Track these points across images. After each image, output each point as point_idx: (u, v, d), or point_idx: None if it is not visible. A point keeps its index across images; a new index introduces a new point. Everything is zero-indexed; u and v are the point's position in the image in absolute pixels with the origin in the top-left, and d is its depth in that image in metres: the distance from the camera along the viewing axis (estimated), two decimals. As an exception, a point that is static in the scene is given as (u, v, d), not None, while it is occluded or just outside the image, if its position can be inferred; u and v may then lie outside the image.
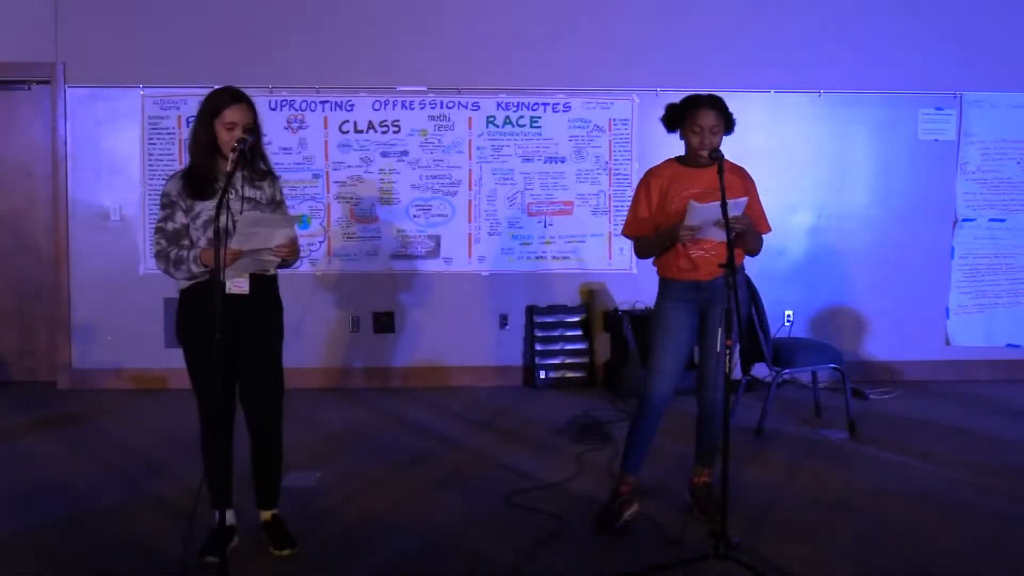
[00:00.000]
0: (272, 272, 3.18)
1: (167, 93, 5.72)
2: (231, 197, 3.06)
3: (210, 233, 3.02)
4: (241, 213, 3.01)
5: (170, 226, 3.09)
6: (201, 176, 3.09)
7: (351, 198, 5.83)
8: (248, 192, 3.14)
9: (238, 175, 3.10)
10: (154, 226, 3.22)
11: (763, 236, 3.54)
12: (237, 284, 3.08)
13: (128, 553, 3.25)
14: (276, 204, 3.24)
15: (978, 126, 6.02)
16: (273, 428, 3.27)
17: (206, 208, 3.06)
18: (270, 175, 3.24)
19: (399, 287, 5.93)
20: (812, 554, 3.26)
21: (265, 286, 3.19)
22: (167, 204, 3.11)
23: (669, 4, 5.87)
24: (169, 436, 4.70)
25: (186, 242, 3.09)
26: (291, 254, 3.08)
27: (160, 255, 3.10)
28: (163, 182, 5.68)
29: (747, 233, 3.35)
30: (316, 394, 5.61)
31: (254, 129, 3.10)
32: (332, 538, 3.38)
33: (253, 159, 3.15)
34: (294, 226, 3.09)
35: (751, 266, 3.91)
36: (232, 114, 3.05)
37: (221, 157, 3.10)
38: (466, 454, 4.45)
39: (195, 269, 3.04)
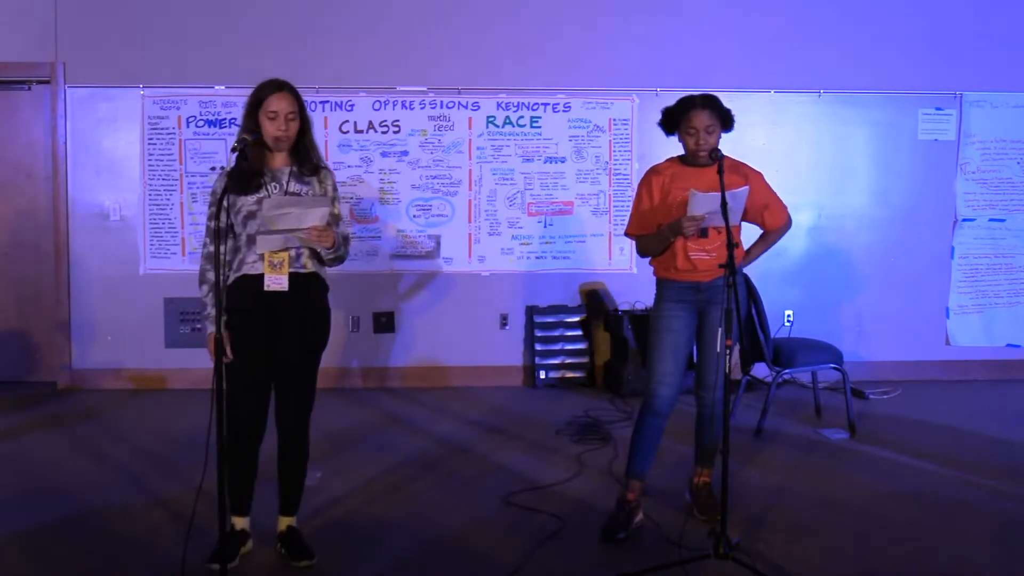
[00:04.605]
0: (310, 269, 3.10)
1: (167, 93, 5.72)
2: (274, 191, 3.03)
3: (250, 228, 3.00)
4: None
5: (214, 224, 3.01)
6: (247, 169, 3.00)
7: (351, 198, 5.83)
8: (293, 187, 3.06)
9: (284, 169, 3.07)
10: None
11: (787, 225, 3.68)
12: (275, 281, 3.02)
13: (128, 553, 3.25)
14: (328, 200, 3.12)
15: (978, 126, 6.01)
16: (303, 433, 3.21)
17: (247, 203, 3.01)
18: (322, 169, 3.15)
19: (399, 287, 5.92)
20: (812, 554, 3.26)
21: (309, 286, 3.11)
22: (213, 202, 3.03)
23: (669, 4, 5.87)
24: (169, 436, 4.70)
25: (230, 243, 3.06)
26: (324, 238, 2.95)
27: (204, 258, 3.10)
28: (163, 182, 5.83)
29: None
30: (316, 394, 5.59)
31: (301, 116, 3.05)
32: (332, 537, 3.38)
33: (300, 153, 3.09)
34: (328, 208, 2.96)
35: (752, 266, 3.91)
36: (274, 103, 3.00)
37: (268, 150, 3.05)
38: (466, 454, 4.45)
39: (205, 313, 3.05)
